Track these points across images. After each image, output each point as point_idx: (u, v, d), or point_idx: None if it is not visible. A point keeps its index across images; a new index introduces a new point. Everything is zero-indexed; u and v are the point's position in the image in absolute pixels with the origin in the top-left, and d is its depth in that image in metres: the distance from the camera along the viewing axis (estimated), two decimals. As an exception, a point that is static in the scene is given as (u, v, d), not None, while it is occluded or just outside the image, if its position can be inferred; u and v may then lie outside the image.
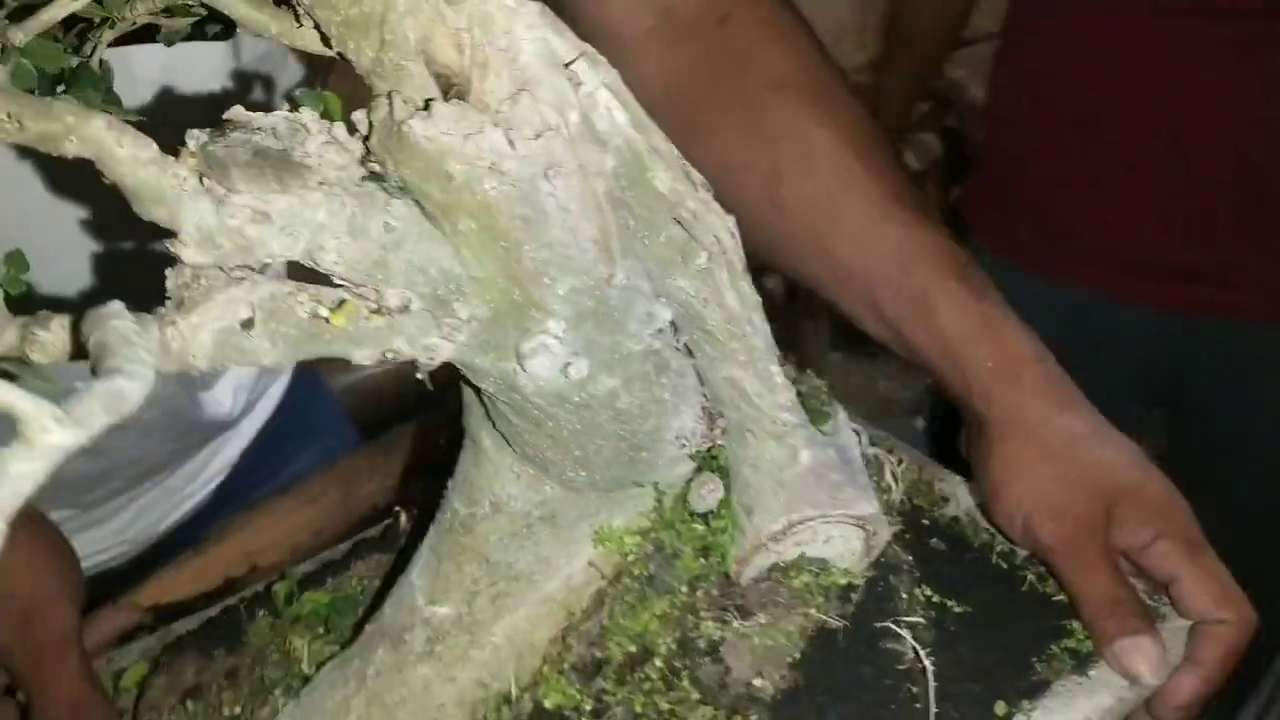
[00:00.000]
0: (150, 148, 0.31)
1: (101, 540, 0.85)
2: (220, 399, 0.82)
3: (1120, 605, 0.47)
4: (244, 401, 0.86)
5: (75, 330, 0.30)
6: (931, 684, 0.45)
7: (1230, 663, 0.48)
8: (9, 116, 0.28)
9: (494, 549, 0.48)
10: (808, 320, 2.53)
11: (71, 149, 0.29)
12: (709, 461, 0.47)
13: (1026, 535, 0.51)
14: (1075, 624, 0.48)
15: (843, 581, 0.48)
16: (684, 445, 0.46)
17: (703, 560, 0.48)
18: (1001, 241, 1.31)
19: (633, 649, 0.48)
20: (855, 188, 0.56)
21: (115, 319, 0.27)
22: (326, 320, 0.35)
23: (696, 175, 0.39)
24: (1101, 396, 0.51)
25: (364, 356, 0.37)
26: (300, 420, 0.92)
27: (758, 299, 0.43)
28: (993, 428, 0.52)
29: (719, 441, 0.47)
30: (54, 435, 0.21)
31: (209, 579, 0.73)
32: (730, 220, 0.41)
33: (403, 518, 0.64)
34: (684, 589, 0.48)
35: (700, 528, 0.48)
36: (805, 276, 0.59)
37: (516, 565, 0.48)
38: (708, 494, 0.47)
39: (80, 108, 0.29)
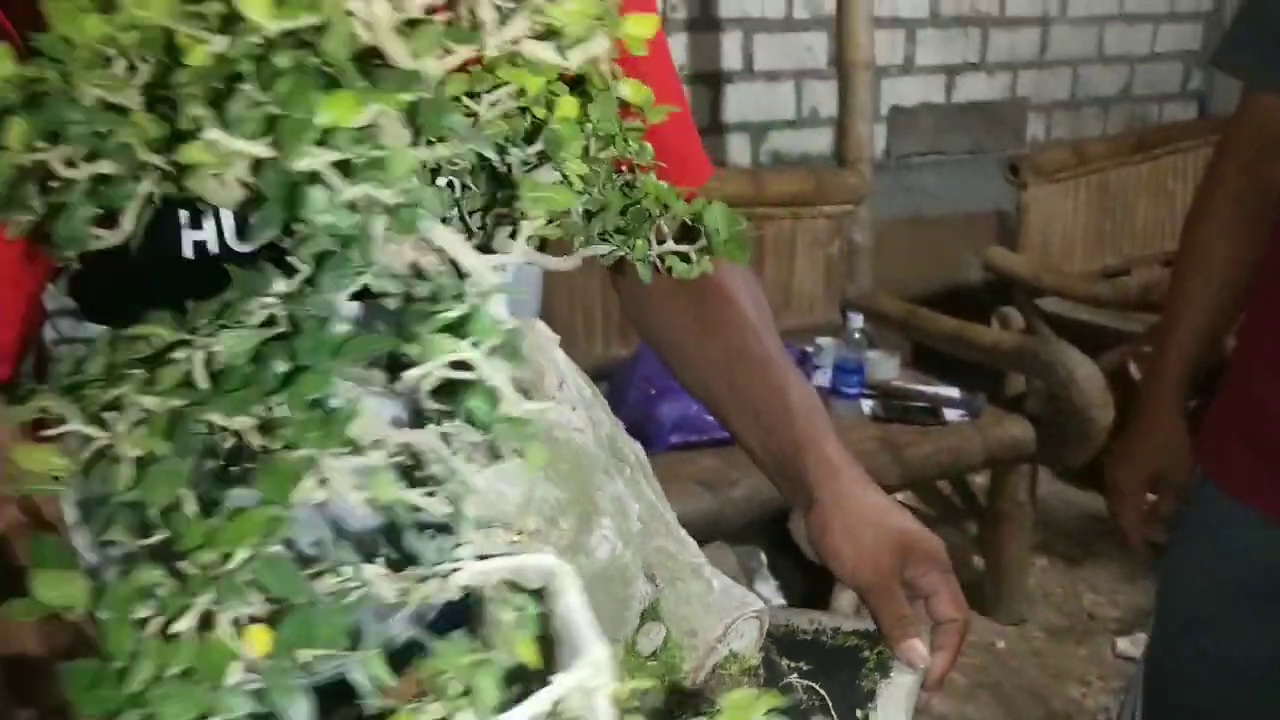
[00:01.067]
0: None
1: None
2: None
3: (904, 621, 0.78)
4: None
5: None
6: (832, 708, 0.71)
7: (960, 646, 0.80)
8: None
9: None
10: (1009, 524, 2.66)
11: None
12: (650, 612, 0.70)
13: (854, 578, 0.81)
14: (867, 653, 0.78)
15: (751, 663, 0.73)
16: (641, 602, 0.69)
17: (665, 681, 0.70)
18: (1232, 481, 1.33)
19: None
20: (750, 346, 0.90)
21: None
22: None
23: (618, 421, 0.67)
24: None
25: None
26: None
27: (661, 491, 0.69)
28: (824, 508, 0.82)
29: (658, 595, 0.71)
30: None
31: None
32: (638, 445, 0.69)
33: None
34: (662, 707, 0.70)
35: (653, 662, 0.70)
36: (714, 400, 0.93)
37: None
38: (655, 635, 0.70)
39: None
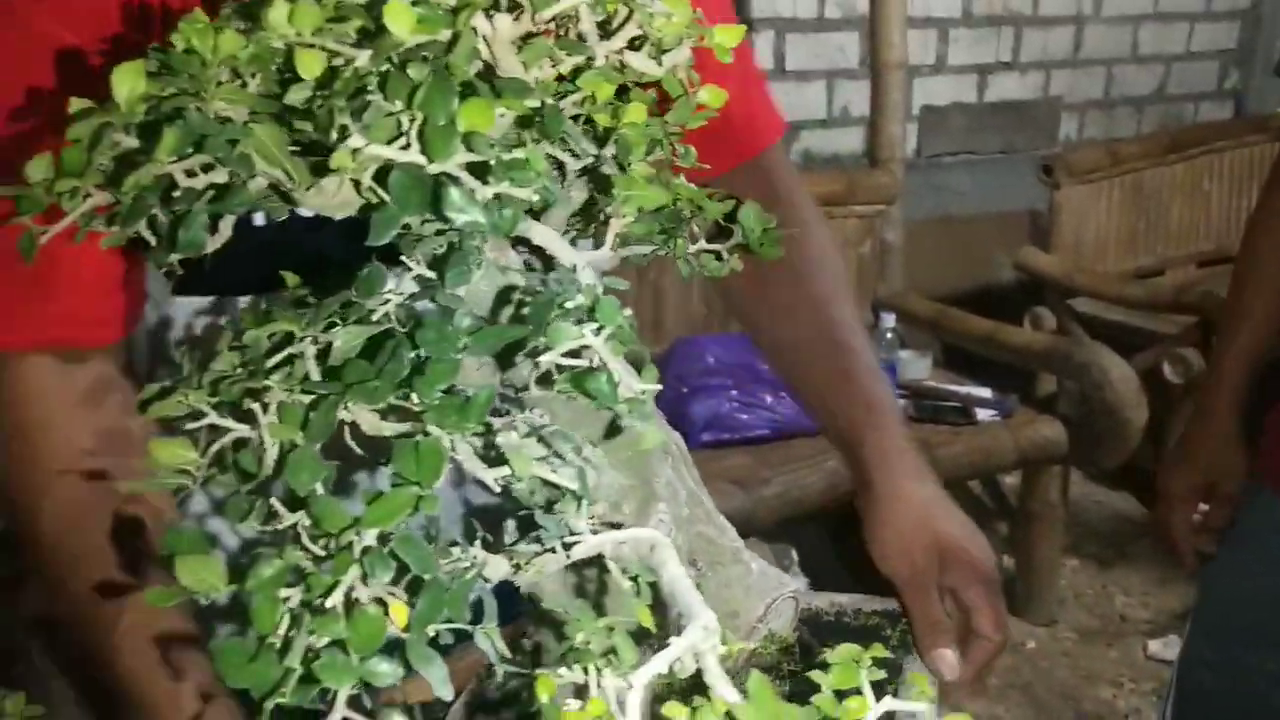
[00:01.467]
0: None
1: None
2: None
3: (937, 626, 0.77)
4: None
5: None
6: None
7: (991, 663, 0.80)
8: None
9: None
10: (1040, 524, 2.67)
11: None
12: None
13: (890, 571, 0.81)
14: (889, 632, 0.78)
15: (789, 642, 0.76)
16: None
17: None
18: None
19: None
20: (817, 331, 0.92)
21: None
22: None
23: (658, 411, 0.69)
24: None
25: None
26: None
27: (699, 478, 0.71)
28: (874, 495, 0.83)
29: (700, 579, 0.72)
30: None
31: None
32: (676, 434, 0.71)
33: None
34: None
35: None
36: (785, 379, 0.96)
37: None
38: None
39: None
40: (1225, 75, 4.09)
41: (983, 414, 2.62)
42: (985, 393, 2.68)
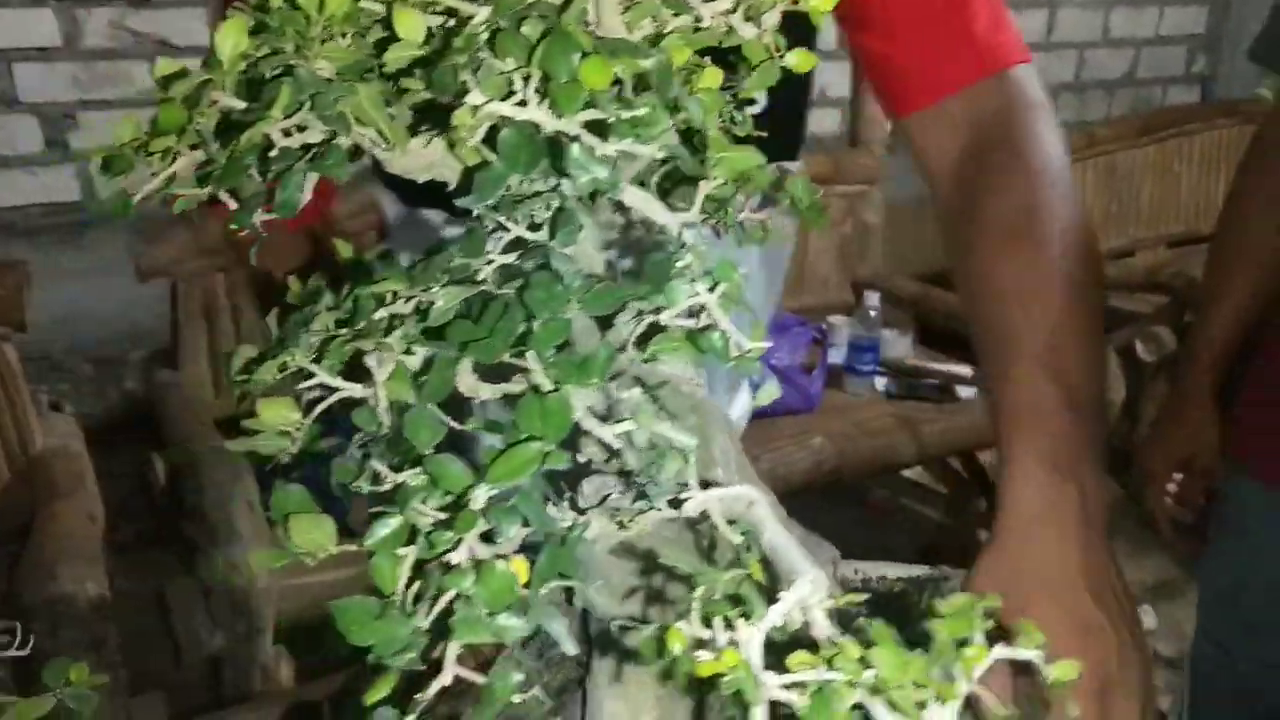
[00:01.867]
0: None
1: None
2: None
3: None
4: None
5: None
6: None
7: None
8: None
9: None
10: None
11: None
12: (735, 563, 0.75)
13: None
14: (916, 598, 0.77)
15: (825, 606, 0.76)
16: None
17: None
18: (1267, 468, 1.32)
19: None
20: (992, 318, 0.80)
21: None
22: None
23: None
24: None
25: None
26: None
27: (741, 448, 0.71)
28: (995, 522, 0.72)
29: None
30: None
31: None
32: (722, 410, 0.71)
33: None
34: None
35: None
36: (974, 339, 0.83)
37: None
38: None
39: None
40: (1193, 60, 4.14)
41: (964, 391, 2.65)
42: (966, 370, 2.71)
